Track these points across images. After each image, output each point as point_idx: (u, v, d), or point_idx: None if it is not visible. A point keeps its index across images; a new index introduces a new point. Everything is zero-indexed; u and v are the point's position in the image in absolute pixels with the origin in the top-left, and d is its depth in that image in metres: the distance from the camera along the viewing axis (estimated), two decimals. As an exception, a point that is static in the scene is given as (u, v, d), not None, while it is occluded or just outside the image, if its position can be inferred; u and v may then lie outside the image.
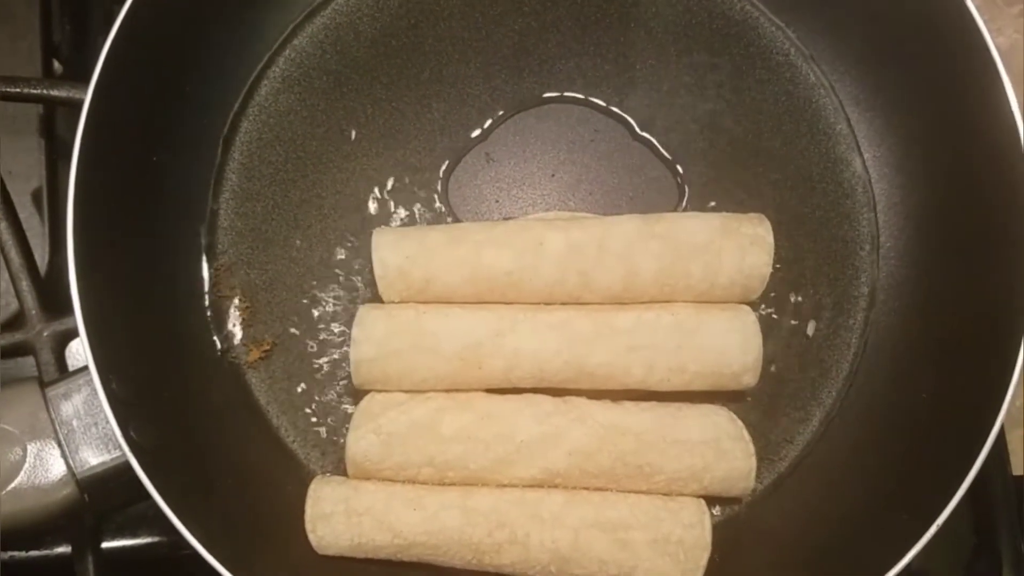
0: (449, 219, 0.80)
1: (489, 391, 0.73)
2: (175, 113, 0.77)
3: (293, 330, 0.78)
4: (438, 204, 0.80)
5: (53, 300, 0.78)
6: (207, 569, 0.64)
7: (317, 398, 0.77)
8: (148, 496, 0.64)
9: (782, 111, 0.81)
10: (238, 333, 0.78)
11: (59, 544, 0.82)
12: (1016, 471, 0.83)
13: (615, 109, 0.82)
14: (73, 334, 0.77)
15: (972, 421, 0.67)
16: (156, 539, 0.84)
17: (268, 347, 0.77)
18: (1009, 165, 0.69)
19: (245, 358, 0.77)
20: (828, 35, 0.81)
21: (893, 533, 0.67)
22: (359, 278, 0.79)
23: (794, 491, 0.75)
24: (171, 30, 0.75)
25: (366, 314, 0.73)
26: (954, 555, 0.81)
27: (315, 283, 0.79)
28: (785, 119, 0.81)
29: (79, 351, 0.78)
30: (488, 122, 0.82)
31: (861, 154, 0.81)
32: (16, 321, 0.81)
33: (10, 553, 0.83)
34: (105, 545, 0.80)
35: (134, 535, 0.84)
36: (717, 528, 0.70)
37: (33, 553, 0.83)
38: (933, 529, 0.65)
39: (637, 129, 0.81)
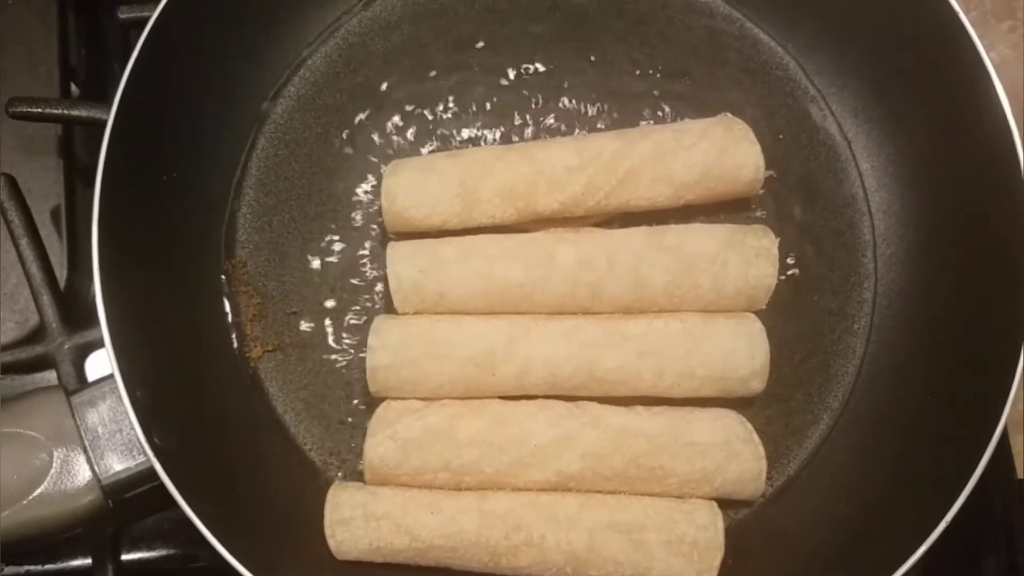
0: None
1: (502, 398, 0.74)
2: (194, 131, 0.79)
3: (309, 339, 0.79)
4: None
5: (72, 314, 0.80)
6: (223, 578, 0.65)
7: (334, 406, 0.78)
8: (170, 503, 0.64)
9: (781, 123, 0.83)
10: (252, 337, 0.79)
11: (75, 557, 0.83)
12: (1020, 475, 0.84)
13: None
14: (92, 347, 0.78)
15: (975, 424, 0.68)
16: (171, 552, 0.84)
17: (272, 348, 0.79)
18: (1004, 173, 0.71)
19: (253, 356, 0.79)
20: (826, 50, 0.84)
21: (898, 535, 0.68)
22: (374, 290, 0.81)
23: (803, 494, 0.76)
24: (189, 52, 0.77)
25: (382, 323, 0.74)
26: (959, 558, 0.82)
27: (331, 294, 0.80)
28: (785, 131, 0.83)
29: (98, 363, 0.79)
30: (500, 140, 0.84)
31: (859, 165, 0.83)
32: (38, 335, 0.82)
33: (26, 567, 0.83)
34: (123, 558, 0.81)
35: (150, 548, 0.84)
36: (729, 531, 0.71)
37: (49, 567, 0.84)
38: (938, 531, 0.65)
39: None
